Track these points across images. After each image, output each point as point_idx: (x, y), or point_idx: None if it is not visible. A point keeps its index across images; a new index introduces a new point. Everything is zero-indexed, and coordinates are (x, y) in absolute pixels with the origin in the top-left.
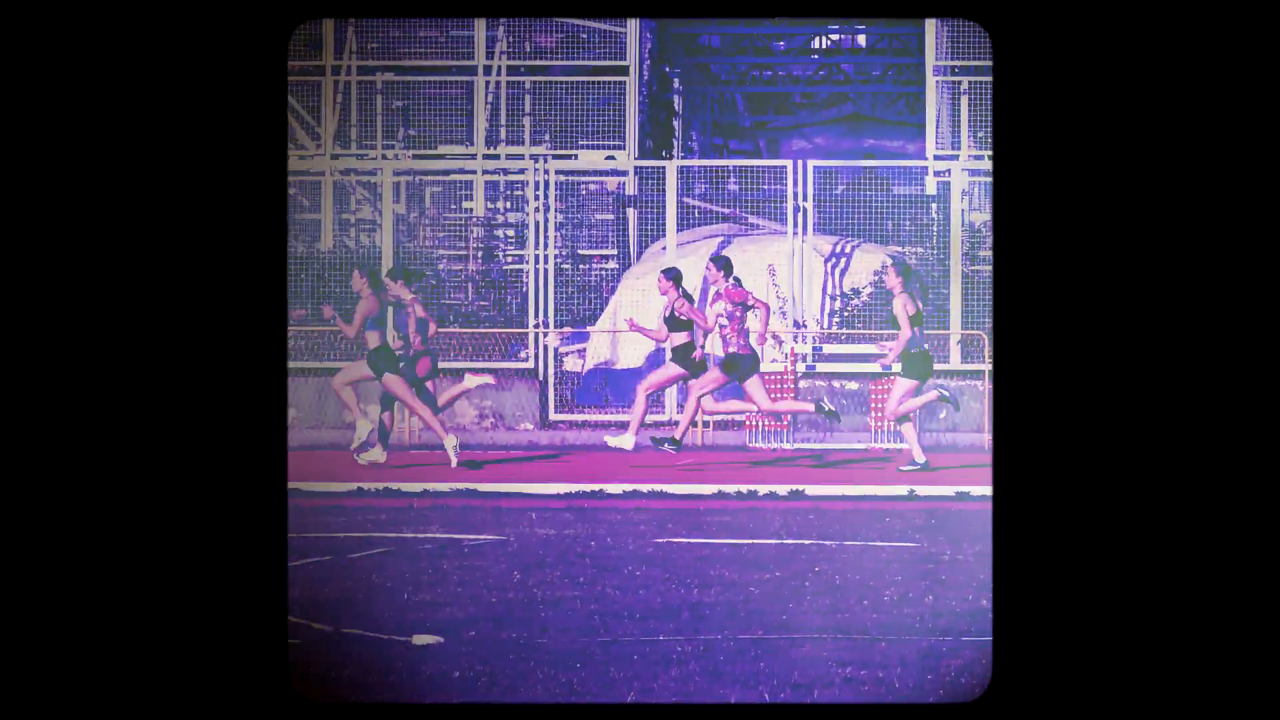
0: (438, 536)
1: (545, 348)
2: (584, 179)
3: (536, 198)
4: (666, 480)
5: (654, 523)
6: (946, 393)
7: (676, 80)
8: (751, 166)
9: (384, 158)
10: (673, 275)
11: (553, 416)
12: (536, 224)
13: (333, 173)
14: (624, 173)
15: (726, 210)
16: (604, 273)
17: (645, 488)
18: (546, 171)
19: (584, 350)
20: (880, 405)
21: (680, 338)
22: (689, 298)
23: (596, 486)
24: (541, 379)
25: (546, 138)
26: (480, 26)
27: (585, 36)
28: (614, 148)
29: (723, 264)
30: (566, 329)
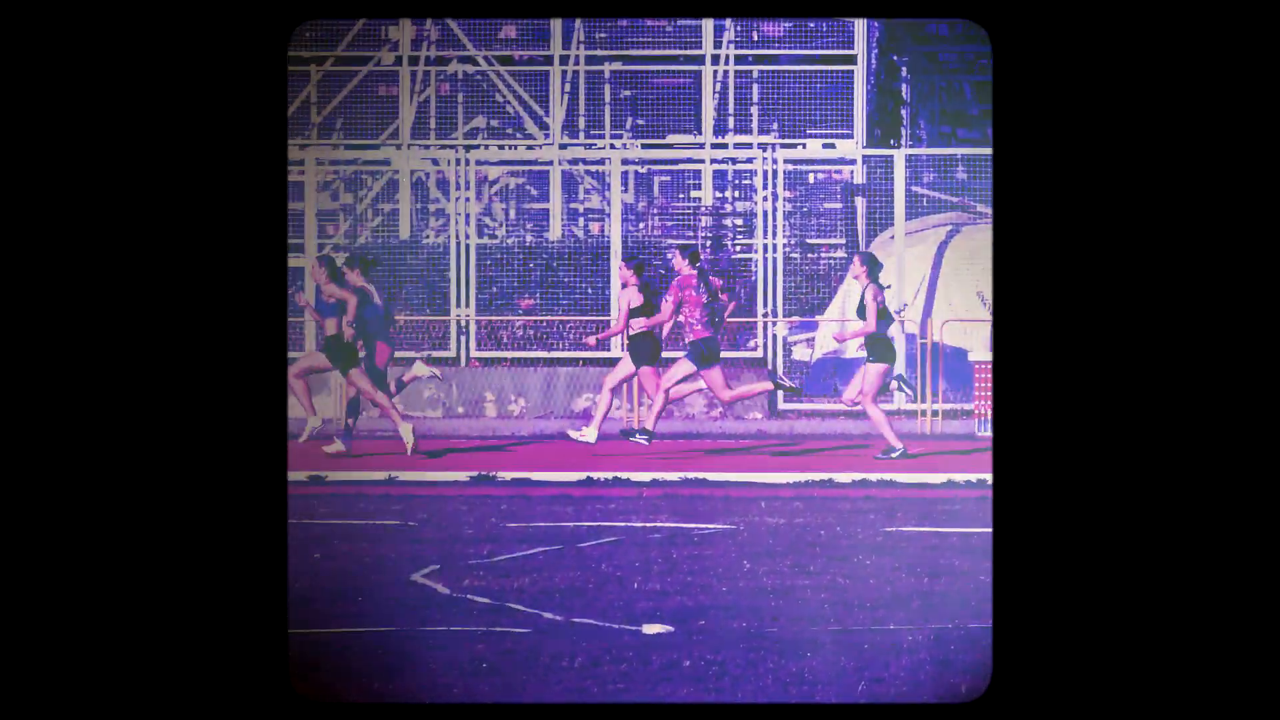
0: (667, 525)
1: (774, 337)
2: (812, 168)
3: (764, 186)
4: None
5: (883, 511)
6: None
7: (904, 69)
8: (980, 155)
9: (612, 147)
10: (634, 265)
11: (781, 406)
12: (765, 213)
13: (561, 162)
14: (851, 161)
15: (955, 199)
16: (832, 262)
17: (874, 477)
18: (774, 160)
19: (812, 340)
20: None
21: (637, 325)
22: (649, 288)
23: (826, 475)
24: (770, 368)
25: (774, 127)
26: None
27: (812, 26)
28: (842, 137)
29: (688, 254)
30: (795, 318)
